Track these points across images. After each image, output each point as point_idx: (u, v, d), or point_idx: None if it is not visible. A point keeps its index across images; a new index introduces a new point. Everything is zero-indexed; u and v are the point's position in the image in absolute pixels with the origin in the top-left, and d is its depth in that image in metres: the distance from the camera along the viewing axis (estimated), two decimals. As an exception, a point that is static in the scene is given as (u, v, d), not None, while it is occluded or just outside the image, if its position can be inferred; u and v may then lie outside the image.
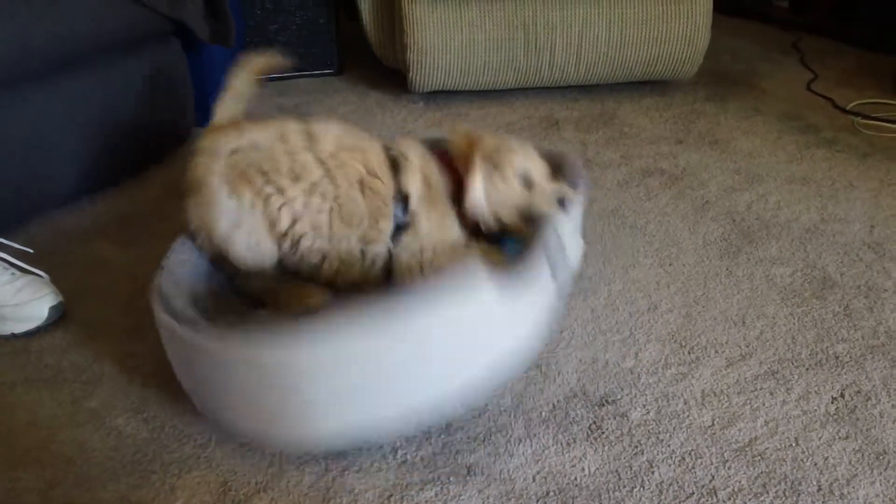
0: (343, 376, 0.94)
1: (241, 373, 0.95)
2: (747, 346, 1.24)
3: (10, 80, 1.42)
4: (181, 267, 1.17)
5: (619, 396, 1.14)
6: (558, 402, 1.13)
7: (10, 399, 1.15)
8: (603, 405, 1.12)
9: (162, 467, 1.03)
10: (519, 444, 1.06)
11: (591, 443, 1.06)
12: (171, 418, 1.10)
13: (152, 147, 1.77)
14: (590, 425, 1.09)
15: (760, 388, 1.15)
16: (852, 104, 2.09)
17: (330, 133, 1.23)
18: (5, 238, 1.35)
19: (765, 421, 1.09)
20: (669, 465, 1.02)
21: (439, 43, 2.02)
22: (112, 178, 1.66)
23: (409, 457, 1.04)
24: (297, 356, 0.92)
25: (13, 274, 1.30)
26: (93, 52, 1.56)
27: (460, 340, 0.99)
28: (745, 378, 1.17)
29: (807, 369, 1.19)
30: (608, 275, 1.42)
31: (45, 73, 1.47)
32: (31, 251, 1.34)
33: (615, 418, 1.10)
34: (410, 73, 2.09)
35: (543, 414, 1.11)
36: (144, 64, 1.71)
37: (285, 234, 1.20)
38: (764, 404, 1.12)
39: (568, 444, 1.06)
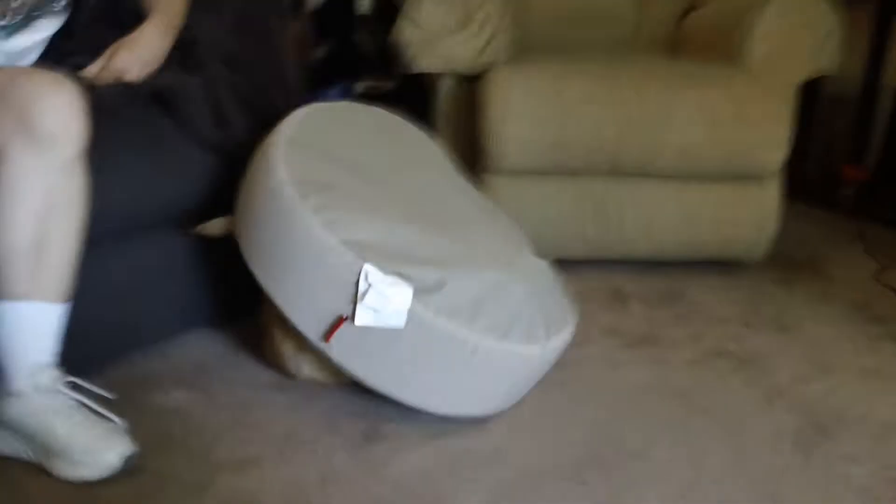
0: None
1: None
2: (826, 551, 1.19)
3: (122, 233, 1.50)
4: None
5: None
6: None
7: (78, 549, 1.14)
8: None
9: None
10: None
11: None
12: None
13: (229, 298, 1.82)
14: None
15: None
16: (921, 298, 2.08)
17: None
18: (86, 381, 1.37)
19: None
20: None
21: (515, 214, 2.07)
22: (193, 324, 1.71)
23: None
24: None
25: (90, 419, 1.31)
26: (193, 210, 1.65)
27: None
28: (825, 586, 1.12)
29: (889, 581, 1.14)
30: (678, 461, 1.39)
31: (152, 226, 1.55)
32: (111, 396, 1.36)
33: None
34: (483, 239, 2.14)
35: None
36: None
37: None
38: None
39: None
